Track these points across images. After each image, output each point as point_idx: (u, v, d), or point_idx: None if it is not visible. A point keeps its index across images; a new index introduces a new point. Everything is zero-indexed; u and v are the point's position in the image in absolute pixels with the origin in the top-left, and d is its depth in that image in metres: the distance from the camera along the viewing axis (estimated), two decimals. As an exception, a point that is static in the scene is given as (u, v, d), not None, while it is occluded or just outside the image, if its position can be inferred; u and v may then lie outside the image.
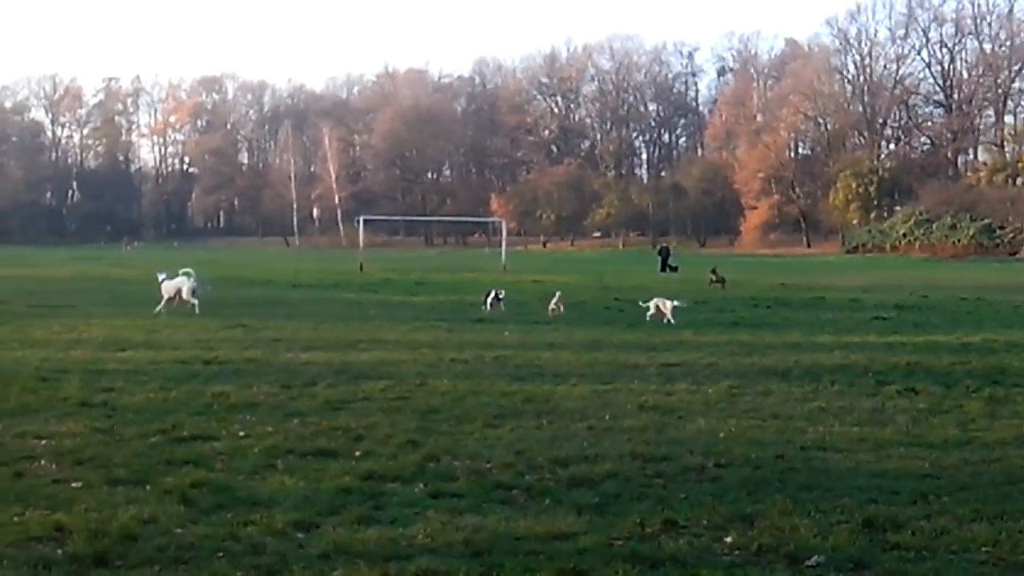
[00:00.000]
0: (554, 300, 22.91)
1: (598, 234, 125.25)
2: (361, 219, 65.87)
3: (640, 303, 22.41)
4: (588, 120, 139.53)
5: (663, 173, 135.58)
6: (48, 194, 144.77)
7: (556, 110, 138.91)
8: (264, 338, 17.50)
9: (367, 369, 13.67)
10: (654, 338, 18.04)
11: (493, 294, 24.01)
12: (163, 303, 22.72)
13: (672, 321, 20.71)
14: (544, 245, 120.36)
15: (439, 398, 11.43)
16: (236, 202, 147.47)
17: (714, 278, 34.93)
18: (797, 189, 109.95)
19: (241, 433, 9.38)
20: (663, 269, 49.63)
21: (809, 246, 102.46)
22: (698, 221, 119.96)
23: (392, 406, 10.91)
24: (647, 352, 15.79)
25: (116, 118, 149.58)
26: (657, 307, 21.56)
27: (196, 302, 22.56)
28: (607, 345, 16.98)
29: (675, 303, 21.33)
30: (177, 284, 23.08)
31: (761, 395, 11.78)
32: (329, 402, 11.11)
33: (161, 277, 23.42)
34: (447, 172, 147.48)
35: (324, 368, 13.71)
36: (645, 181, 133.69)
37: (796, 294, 31.37)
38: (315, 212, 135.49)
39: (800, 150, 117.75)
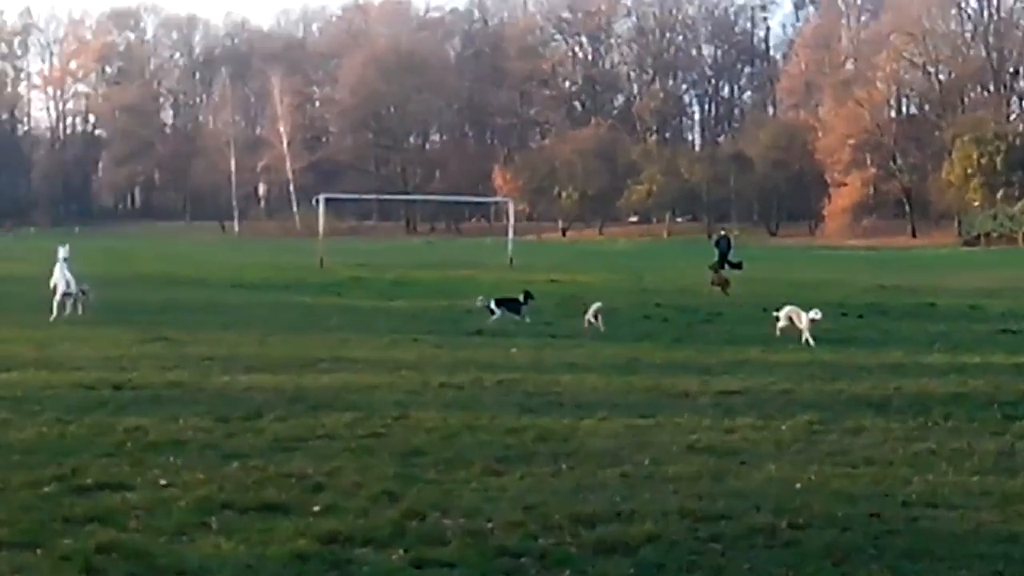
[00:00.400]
0: (591, 311, 22.74)
1: (635, 219, 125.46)
2: (322, 198, 65.95)
3: (774, 312, 21.69)
4: (623, 68, 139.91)
5: (721, 138, 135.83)
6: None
7: (580, 55, 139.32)
8: (194, 355, 17.51)
9: (329, 397, 13.68)
10: (709, 357, 18.03)
11: (522, 297, 23.77)
12: (57, 305, 22.87)
13: (810, 342, 20.01)
14: (564, 233, 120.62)
15: (424, 436, 11.43)
16: (157, 175, 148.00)
17: (715, 279, 33.98)
18: (899, 160, 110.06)
19: (163, 481, 9.38)
20: (721, 266, 49.55)
21: (915, 235, 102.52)
22: (768, 202, 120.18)
23: (362, 446, 10.91)
24: (699, 375, 15.78)
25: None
26: (790, 319, 20.88)
27: (72, 294, 22.74)
28: (646, 366, 16.96)
29: (813, 314, 20.46)
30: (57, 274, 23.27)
31: (850, 433, 11.76)
32: (279, 440, 11.12)
33: (61, 253, 23.55)
34: (436, 136, 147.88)
35: (272, 395, 13.73)
36: (698, 149, 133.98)
37: (897, 299, 31.39)
38: (261, 189, 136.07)
39: (904, 109, 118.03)
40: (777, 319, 21.16)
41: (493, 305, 23.58)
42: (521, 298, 23.83)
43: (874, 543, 7.86)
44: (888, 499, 9.08)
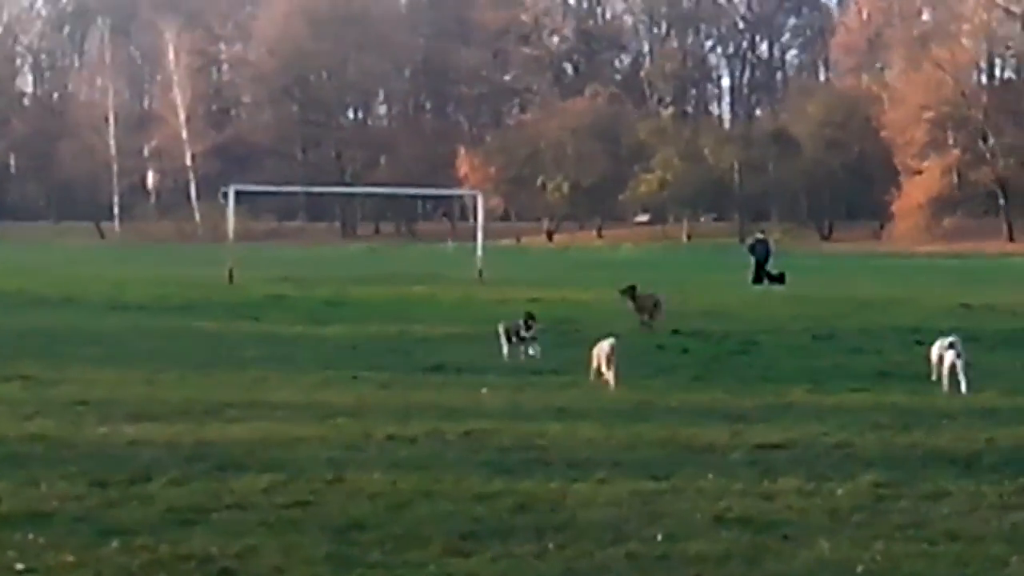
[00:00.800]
0: (603, 353, 19.57)
1: (644, 217, 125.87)
2: (231, 191, 65.58)
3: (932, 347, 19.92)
4: (627, 19, 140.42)
5: (757, 112, 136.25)
6: None
7: (573, 2, 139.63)
8: (61, 399, 17.39)
9: (241, 454, 13.61)
10: (741, 399, 18.02)
11: (522, 323, 23.47)
12: None
13: (963, 388, 18.71)
14: (550, 237, 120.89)
15: (366, 504, 11.40)
16: (12, 161, 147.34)
17: (633, 304, 30.24)
18: (991, 139, 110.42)
19: (19, 566, 9.35)
20: (758, 279, 49.71)
21: (1012, 238, 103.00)
22: (819, 196, 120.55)
23: (284, 518, 10.87)
24: (729, 424, 15.75)
25: None
26: (940, 358, 19.25)
27: None
28: (660, 412, 16.92)
29: (957, 355, 18.96)
30: None
31: (928, 499, 11.76)
32: (173, 511, 11.05)
33: None
34: (382, 109, 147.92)
35: (165, 452, 13.65)
36: (727, 126, 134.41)
37: (989, 322, 31.41)
38: (150, 179, 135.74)
39: (997, 72, 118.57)
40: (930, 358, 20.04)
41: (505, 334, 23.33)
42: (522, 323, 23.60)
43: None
44: (978, 587, 9.07)
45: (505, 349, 23.08)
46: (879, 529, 10.67)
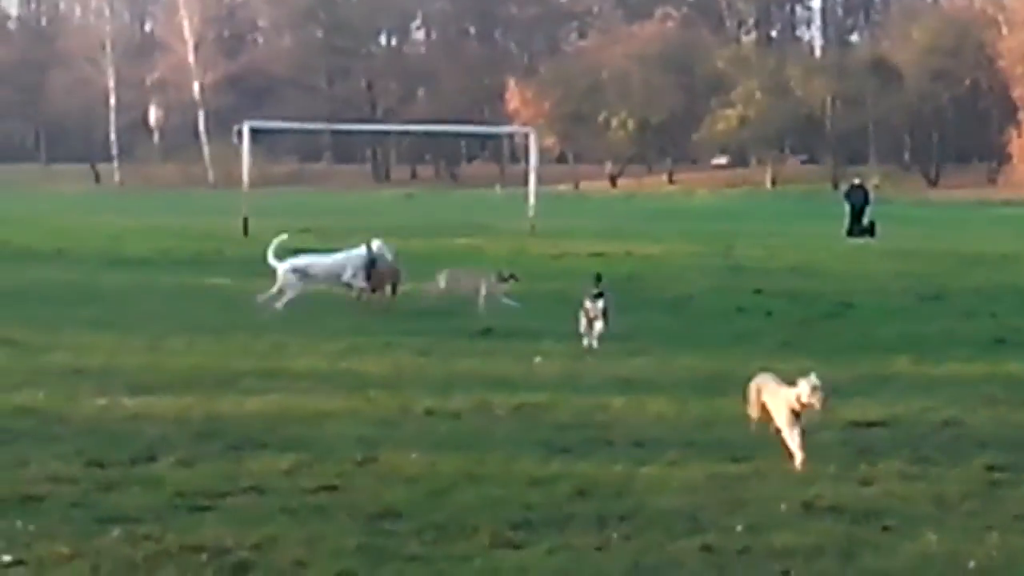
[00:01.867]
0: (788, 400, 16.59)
1: (723, 160, 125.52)
2: (246, 129, 65.76)
3: None
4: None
5: (854, 37, 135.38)
6: None
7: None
8: (53, 367, 17.51)
9: (258, 430, 13.69)
10: (834, 369, 17.96)
11: (496, 276, 23.99)
12: None
13: None
14: (613, 182, 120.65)
15: (402, 489, 11.44)
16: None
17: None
18: None
19: (6, 558, 9.39)
20: (853, 231, 49.54)
21: None
22: (924, 134, 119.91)
23: (308, 504, 10.92)
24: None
25: None
26: None
27: None
28: (741, 383, 16.91)
29: None
30: None
31: (1051, 485, 11.77)
32: (182, 495, 11.11)
33: None
34: (420, 35, 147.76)
35: (172, 428, 13.73)
36: (818, 53, 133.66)
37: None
38: (153, 114, 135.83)
39: None
40: None
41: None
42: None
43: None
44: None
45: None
46: (993, 519, 10.65)
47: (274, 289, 24.45)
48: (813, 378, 12.35)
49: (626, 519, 10.56)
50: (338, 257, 25.91)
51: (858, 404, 15.36)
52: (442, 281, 25.24)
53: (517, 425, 14.24)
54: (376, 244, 25.85)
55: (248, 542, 9.81)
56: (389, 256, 26.15)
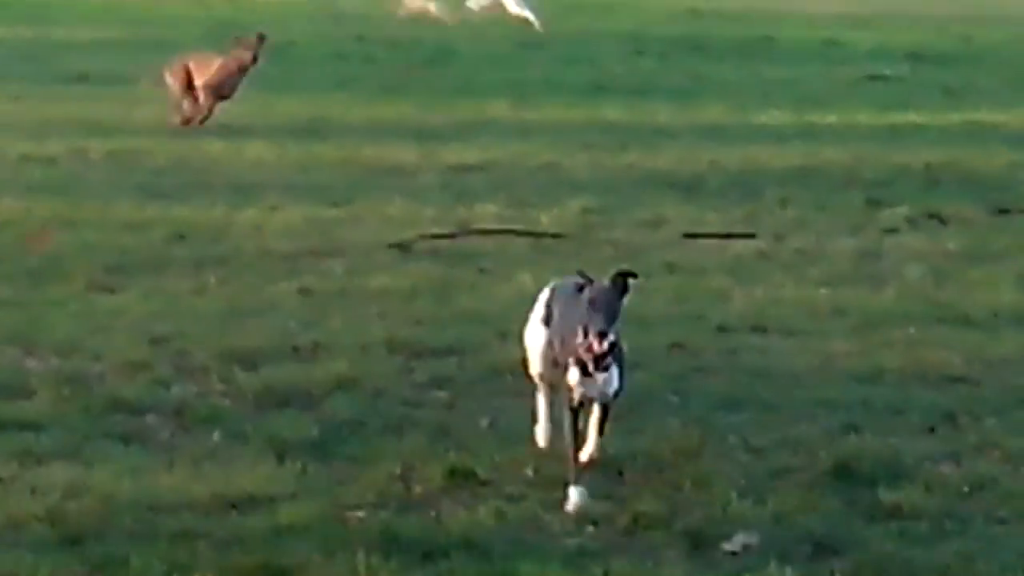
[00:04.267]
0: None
1: None
2: None
3: None
4: None
5: None
6: None
7: None
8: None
9: None
10: (433, 114, 17.97)
11: None
12: None
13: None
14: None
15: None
16: None
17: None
18: None
19: None
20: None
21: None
22: None
23: None
24: (421, 143, 15.79)
25: None
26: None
27: None
28: (340, 129, 16.82)
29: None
30: None
31: (645, 227, 12.05)
32: None
33: None
34: None
35: None
36: None
37: (718, 30, 31.57)
38: None
39: None
40: None
41: None
42: None
43: (675, 386, 8.06)
44: (697, 323, 9.33)
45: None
46: (587, 256, 10.57)
47: None
48: None
49: (224, 263, 10.52)
50: None
51: (456, 149, 15.48)
52: None
53: (113, 170, 14.03)
54: None
55: None
56: None
